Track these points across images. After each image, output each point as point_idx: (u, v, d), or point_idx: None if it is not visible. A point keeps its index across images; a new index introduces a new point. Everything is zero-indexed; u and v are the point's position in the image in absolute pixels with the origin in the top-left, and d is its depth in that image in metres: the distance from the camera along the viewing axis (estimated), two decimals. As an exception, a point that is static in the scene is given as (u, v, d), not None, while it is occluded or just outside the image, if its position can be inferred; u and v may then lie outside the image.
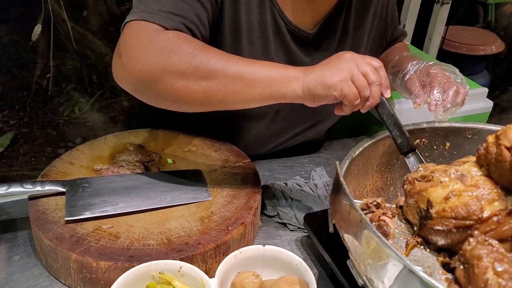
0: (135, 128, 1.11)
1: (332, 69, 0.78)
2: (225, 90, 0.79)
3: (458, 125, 0.91)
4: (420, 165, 0.71)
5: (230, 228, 0.88)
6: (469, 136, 0.91)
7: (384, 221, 0.63)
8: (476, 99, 1.48)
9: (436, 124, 0.91)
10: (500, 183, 0.61)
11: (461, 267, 0.57)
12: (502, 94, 2.73)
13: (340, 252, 0.70)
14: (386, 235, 0.62)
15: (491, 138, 0.63)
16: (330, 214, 0.70)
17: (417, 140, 0.91)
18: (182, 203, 0.92)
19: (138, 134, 1.10)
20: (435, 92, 0.99)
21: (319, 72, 0.78)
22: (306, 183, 1.14)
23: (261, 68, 0.79)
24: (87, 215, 0.84)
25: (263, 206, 1.06)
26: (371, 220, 0.65)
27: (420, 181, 0.67)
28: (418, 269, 0.59)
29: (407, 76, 1.05)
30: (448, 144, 0.92)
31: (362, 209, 0.68)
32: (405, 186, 0.69)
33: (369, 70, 0.78)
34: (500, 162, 0.59)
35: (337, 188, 0.67)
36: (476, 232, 0.59)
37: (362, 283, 0.59)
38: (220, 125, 1.11)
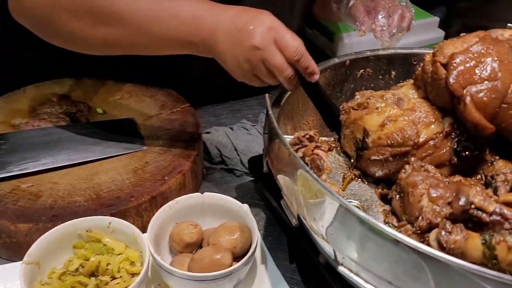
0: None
1: (234, 60, 0.66)
2: (126, 40, 0.71)
3: (403, 51, 0.85)
4: (357, 93, 0.66)
5: (166, 178, 0.81)
6: (415, 63, 0.86)
7: (318, 155, 0.58)
8: (428, 29, 1.42)
9: (380, 52, 0.85)
10: (437, 104, 0.56)
11: (397, 197, 0.53)
12: (457, 27, 2.69)
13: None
14: (319, 169, 0.57)
15: (428, 57, 0.58)
16: (263, 153, 0.64)
17: (361, 70, 0.85)
18: (113, 154, 0.85)
19: (62, 84, 1.00)
20: (379, 17, 0.94)
21: (222, 55, 0.67)
22: (253, 126, 1.08)
23: (164, 23, 0.69)
24: (3, 174, 0.76)
25: (207, 153, 1.00)
26: (304, 155, 0.60)
27: (356, 109, 0.61)
28: (353, 203, 0.56)
29: (351, 2, 0.99)
30: (393, 72, 0.87)
31: (294, 144, 0.62)
32: (341, 116, 0.64)
33: (278, 65, 0.63)
34: (436, 81, 0.54)
35: (266, 123, 0.61)
36: (412, 158, 0.55)
37: (296, 223, 0.54)
38: (154, 68, 1.03)
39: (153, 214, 0.78)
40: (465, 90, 0.50)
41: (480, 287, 0.39)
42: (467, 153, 0.54)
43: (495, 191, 0.51)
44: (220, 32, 0.66)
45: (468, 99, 0.50)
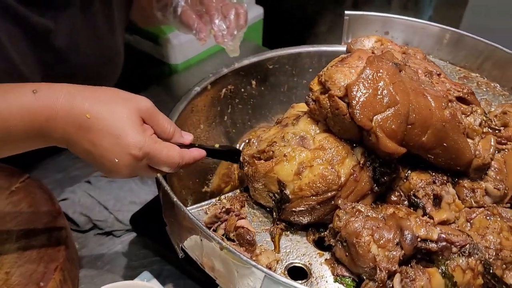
0: None
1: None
2: None
3: (257, 59, 0.82)
4: (251, 136, 0.60)
5: (42, 283, 0.66)
6: (271, 66, 0.84)
7: (243, 227, 0.52)
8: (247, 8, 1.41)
9: (236, 65, 0.81)
10: (343, 137, 0.54)
11: (340, 246, 0.51)
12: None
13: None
14: (251, 244, 0.51)
15: (316, 86, 0.55)
16: (171, 235, 0.55)
17: (224, 89, 0.80)
18: (-44, 284, 0.65)
19: None
20: (216, 21, 0.89)
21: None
22: (112, 170, 0.95)
23: None
24: None
25: (73, 223, 0.84)
26: (227, 232, 0.53)
27: (260, 158, 0.56)
28: (296, 265, 0.52)
29: (179, 9, 0.91)
30: (253, 81, 0.84)
31: (211, 223, 0.55)
32: (246, 168, 0.57)
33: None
34: (338, 116, 0.51)
35: (170, 208, 0.52)
36: (339, 201, 0.53)
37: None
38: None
39: (43, 336, 0.64)
40: (373, 122, 0.49)
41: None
42: (385, 178, 0.54)
43: (424, 211, 0.53)
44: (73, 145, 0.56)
45: (379, 131, 0.49)
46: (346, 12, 0.81)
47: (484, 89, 0.75)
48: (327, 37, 1.22)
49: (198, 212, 0.54)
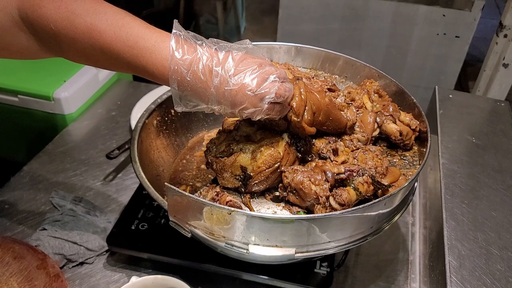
0: None
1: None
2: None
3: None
4: (205, 143, 0.85)
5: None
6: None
7: (231, 200, 0.77)
8: None
9: (159, 100, 1.02)
10: (276, 129, 0.83)
11: (291, 194, 0.80)
12: None
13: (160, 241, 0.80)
14: (241, 208, 0.76)
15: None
16: (178, 224, 0.76)
17: (154, 121, 1.01)
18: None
19: None
20: None
21: None
22: (59, 210, 1.07)
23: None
24: None
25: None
26: None
27: (222, 157, 0.81)
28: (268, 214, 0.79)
29: None
30: (172, 110, 1.06)
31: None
32: (215, 166, 0.82)
33: None
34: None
35: (178, 203, 0.73)
36: (283, 168, 0.82)
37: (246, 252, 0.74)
38: None
39: None
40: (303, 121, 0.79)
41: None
42: (304, 148, 0.85)
43: (330, 159, 0.85)
44: None
45: (304, 124, 0.79)
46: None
47: (329, 80, 1.12)
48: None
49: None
